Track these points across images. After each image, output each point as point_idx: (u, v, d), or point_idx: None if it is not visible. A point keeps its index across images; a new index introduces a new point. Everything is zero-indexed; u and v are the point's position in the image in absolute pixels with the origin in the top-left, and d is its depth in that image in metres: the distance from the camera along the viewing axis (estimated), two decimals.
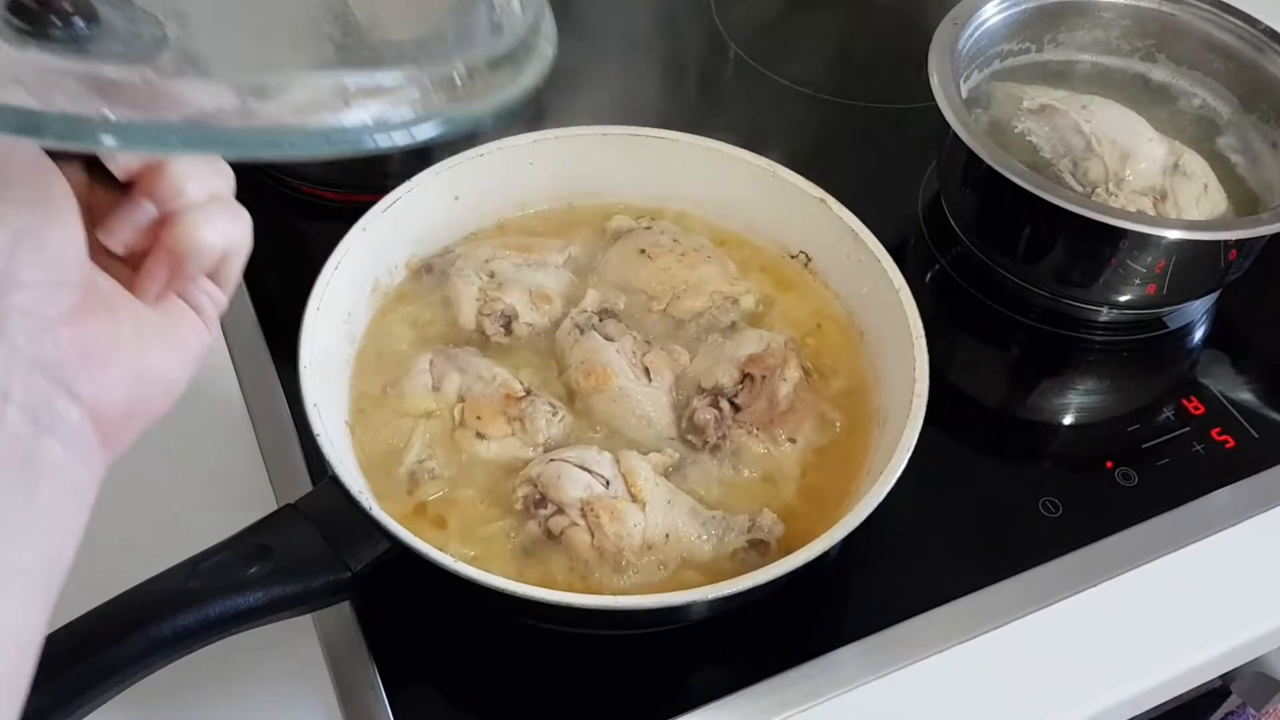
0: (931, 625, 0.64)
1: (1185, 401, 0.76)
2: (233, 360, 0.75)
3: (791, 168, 0.73)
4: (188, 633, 0.50)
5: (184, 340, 0.41)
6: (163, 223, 0.38)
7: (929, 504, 0.69)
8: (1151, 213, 0.76)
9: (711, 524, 0.61)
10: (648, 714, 0.60)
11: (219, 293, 0.42)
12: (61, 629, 0.49)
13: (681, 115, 0.83)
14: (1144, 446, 0.74)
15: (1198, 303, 0.82)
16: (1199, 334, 0.82)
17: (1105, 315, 0.81)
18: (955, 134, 0.76)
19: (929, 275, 0.85)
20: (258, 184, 0.87)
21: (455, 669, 0.62)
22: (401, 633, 0.62)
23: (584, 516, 0.60)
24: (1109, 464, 0.73)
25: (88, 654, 0.48)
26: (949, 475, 0.71)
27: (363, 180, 0.85)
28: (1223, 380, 0.78)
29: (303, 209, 0.87)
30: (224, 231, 0.39)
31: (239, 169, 0.40)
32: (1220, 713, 0.84)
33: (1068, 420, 0.77)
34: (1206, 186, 0.78)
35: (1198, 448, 0.74)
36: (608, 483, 0.61)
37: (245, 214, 0.40)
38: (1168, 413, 0.76)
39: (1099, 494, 0.71)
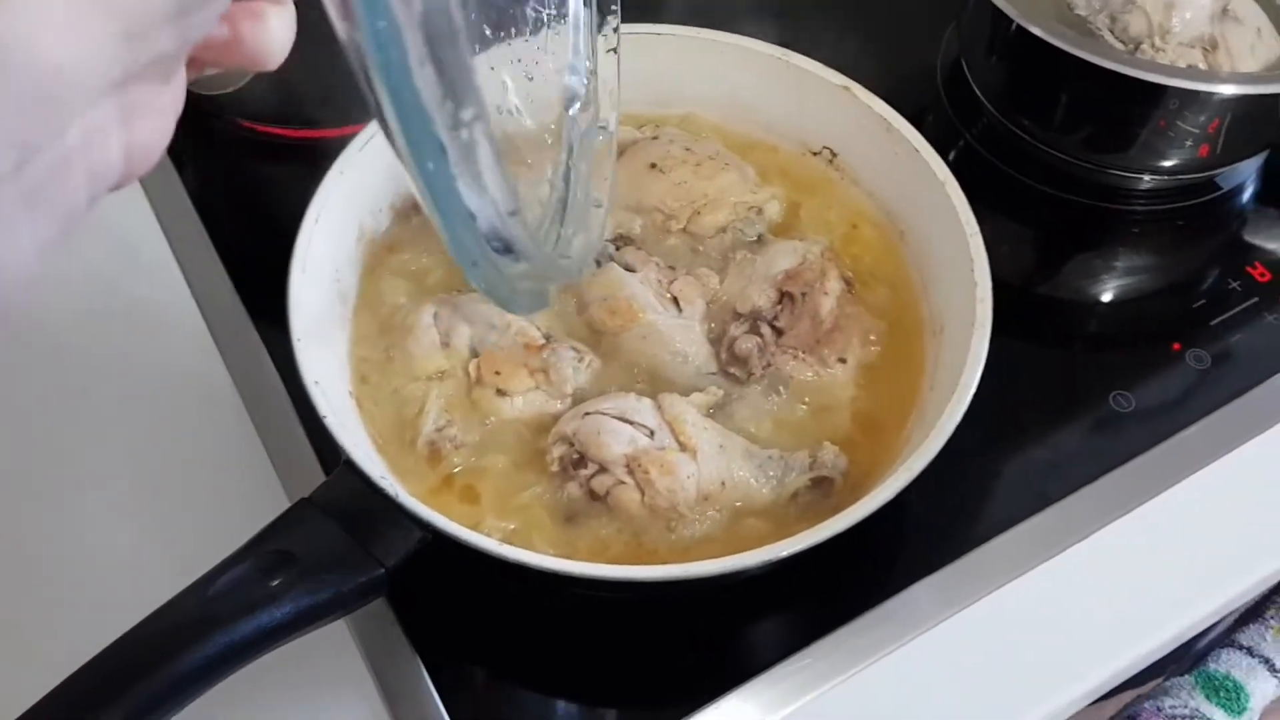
0: (1010, 547, 0.59)
1: (1250, 269, 0.71)
2: (211, 332, 0.68)
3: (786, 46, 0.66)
4: (216, 661, 0.44)
5: None
6: None
7: (991, 412, 0.63)
8: (1202, 66, 0.69)
9: (769, 465, 0.56)
10: (713, 677, 0.55)
11: None
12: (77, 672, 0.44)
13: (670, 7, 0.75)
14: (1212, 324, 0.68)
15: (1250, 161, 0.76)
16: (1248, 194, 0.77)
17: (1149, 182, 0.75)
18: None
19: (952, 153, 0.78)
20: (205, 127, 0.78)
21: (501, 644, 0.58)
22: (438, 613, 0.57)
23: (630, 473, 0.54)
24: (1176, 345, 0.67)
25: (110, 698, 0.43)
26: (1007, 377, 0.65)
27: (319, 114, 0.77)
28: None
29: (260, 150, 0.79)
30: None
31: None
32: None
33: (1123, 301, 0.72)
34: (1260, 31, 0.71)
35: (1270, 318, 0.68)
36: (652, 433, 0.55)
37: None
38: (1233, 284, 0.70)
39: (1172, 381, 0.66)
